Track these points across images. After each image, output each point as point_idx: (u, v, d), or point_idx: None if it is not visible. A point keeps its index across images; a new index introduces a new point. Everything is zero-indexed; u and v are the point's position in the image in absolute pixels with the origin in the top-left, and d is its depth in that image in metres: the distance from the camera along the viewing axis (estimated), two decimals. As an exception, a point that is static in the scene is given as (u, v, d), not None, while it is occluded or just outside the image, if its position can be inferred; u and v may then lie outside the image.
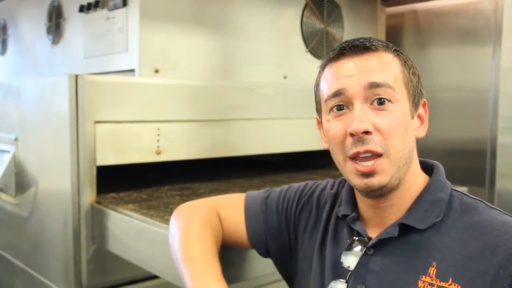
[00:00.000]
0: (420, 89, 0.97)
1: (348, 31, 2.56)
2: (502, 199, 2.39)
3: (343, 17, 2.55)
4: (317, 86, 1.01)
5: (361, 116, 0.89)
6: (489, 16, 2.43)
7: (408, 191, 0.96)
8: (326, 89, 0.96)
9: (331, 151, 0.98)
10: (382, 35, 2.77)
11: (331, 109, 0.95)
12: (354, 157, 0.91)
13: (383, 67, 0.92)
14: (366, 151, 0.89)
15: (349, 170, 0.93)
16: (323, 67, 0.99)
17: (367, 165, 0.90)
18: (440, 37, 2.65)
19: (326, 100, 0.95)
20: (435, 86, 2.63)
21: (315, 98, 1.02)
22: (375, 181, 0.90)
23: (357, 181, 0.92)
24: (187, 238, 1.09)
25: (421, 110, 0.98)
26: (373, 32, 2.72)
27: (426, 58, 2.70)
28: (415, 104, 0.96)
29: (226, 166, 2.35)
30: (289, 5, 2.33)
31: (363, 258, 0.96)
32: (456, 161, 2.55)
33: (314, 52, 2.41)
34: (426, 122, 0.99)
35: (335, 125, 0.94)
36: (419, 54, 2.74)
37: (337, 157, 0.96)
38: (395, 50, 0.96)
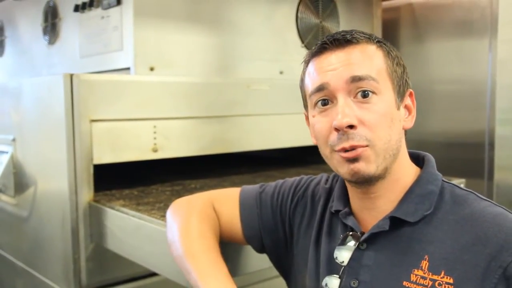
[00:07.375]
0: (405, 80, 0.97)
1: (344, 25, 2.55)
2: (500, 191, 2.39)
3: (338, 11, 2.54)
4: (302, 81, 1.01)
5: (345, 110, 0.89)
6: (484, 8, 2.42)
7: (397, 183, 0.96)
8: (310, 84, 0.96)
9: (318, 146, 0.98)
10: (378, 29, 2.76)
11: (316, 104, 0.95)
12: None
13: (366, 59, 0.92)
14: (352, 147, 0.89)
15: (336, 160, 0.93)
16: (306, 63, 1.00)
17: (352, 151, 0.90)
18: (437, 30, 2.65)
19: (310, 95, 0.96)
20: (432, 79, 2.63)
21: (301, 93, 1.03)
22: (361, 166, 0.90)
23: (344, 169, 0.92)
24: (187, 234, 1.09)
25: (408, 101, 0.98)
26: (369, 26, 2.72)
27: (422, 51, 2.70)
28: (400, 95, 0.95)
29: (218, 162, 2.35)
30: (283, 0, 2.33)
31: (356, 253, 0.96)
32: (454, 154, 2.55)
33: (310, 47, 2.40)
34: (414, 113, 0.99)
35: (321, 121, 0.94)
36: (415, 48, 2.74)
37: (324, 151, 0.96)
38: (378, 41, 0.96)
